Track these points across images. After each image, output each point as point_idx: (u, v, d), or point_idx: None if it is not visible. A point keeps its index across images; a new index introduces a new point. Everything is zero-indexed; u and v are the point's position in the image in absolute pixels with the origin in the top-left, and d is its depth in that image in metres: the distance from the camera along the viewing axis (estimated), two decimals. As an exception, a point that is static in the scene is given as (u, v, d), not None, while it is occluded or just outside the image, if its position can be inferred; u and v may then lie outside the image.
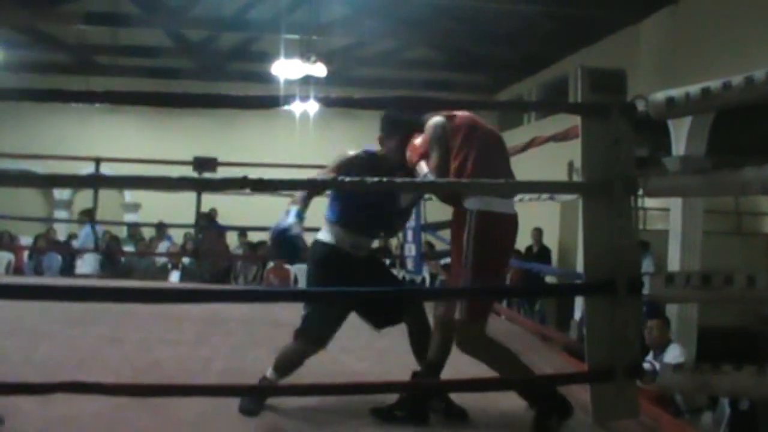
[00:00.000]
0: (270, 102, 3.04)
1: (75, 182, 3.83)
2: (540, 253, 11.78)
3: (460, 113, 3.51)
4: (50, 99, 3.89)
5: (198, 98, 2.95)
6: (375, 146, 3.71)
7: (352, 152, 3.66)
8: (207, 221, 11.41)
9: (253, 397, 3.54)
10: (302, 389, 3.34)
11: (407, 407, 3.51)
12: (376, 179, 2.69)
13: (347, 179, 3.14)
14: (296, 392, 3.46)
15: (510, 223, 3.38)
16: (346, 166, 3.55)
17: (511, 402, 3.72)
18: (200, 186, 4.92)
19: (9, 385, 2.65)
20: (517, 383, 3.60)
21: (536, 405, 3.34)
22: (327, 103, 3.45)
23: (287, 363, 3.62)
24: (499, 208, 3.32)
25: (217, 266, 10.92)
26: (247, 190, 2.71)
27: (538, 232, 11.83)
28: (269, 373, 3.62)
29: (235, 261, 11.73)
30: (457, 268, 3.39)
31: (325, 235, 3.68)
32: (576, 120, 2.87)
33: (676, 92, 2.55)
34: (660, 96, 2.58)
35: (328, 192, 3.75)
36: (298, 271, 11.39)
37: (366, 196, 3.52)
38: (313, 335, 3.59)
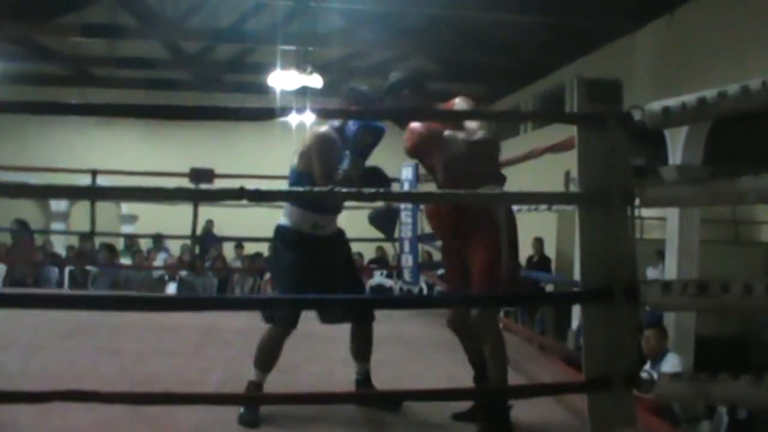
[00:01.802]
0: (265, 114, 3.04)
1: (72, 193, 3.82)
2: (541, 262, 11.78)
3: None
4: (48, 112, 3.89)
5: (193, 110, 2.95)
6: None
7: (322, 129, 3.72)
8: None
9: (251, 408, 3.53)
10: (301, 398, 3.33)
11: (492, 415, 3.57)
12: (373, 190, 2.68)
13: (344, 190, 3.15)
14: (294, 401, 3.44)
15: None
16: (333, 147, 3.67)
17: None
18: (197, 197, 4.91)
19: (5, 393, 2.64)
20: (515, 392, 3.62)
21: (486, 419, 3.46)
22: (323, 114, 3.47)
23: (266, 354, 3.67)
24: None
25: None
26: (244, 201, 2.71)
27: (539, 242, 11.84)
28: (253, 374, 3.66)
29: (233, 273, 11.72)
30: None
31: (285, 219, 3.75)
32: (573, 130, 2.88)
33: (673, 102, 2.55)
34: (656, 105, 2.58)
35: (289, 175, 3.81)
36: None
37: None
38: (284, 317, 3.64)
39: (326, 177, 3.58)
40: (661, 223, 10.30)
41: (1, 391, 2.63)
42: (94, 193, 4.93)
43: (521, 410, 3.82)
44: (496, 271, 3.37)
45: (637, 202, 2.66)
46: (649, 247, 10.45)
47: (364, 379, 3.87)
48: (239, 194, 2.45)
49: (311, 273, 3.65)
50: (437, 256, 10.36)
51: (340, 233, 3.96)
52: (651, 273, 10.29)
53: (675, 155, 8.77)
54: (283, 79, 10.82)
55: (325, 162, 3.63)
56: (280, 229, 3.77)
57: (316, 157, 3.65)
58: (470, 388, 3.67)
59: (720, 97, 2.44)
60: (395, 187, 6.09)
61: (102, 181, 9.14)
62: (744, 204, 9.50)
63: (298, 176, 3.71)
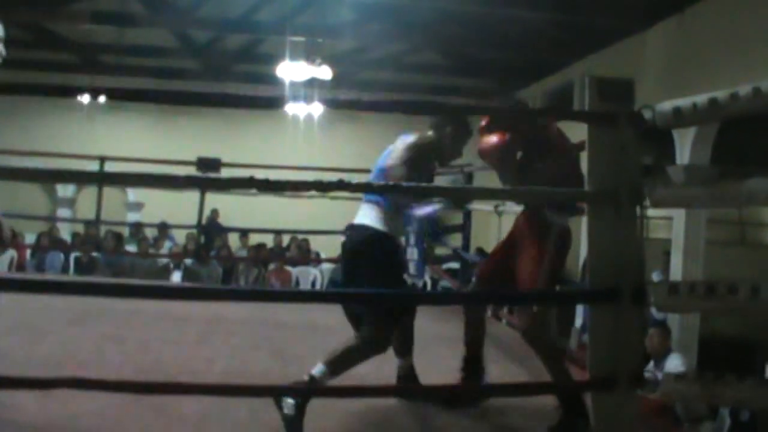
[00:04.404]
0: (274, 102, 3.04)
1: (80, 178, 3.82)
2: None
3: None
4: (56, 94, 3.90)
5: (203, 96, 2.95)
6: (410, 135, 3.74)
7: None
8: None
9: (297, 405, 3.27)
10: (306, 390, 3.33)
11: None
12: (382, 183, 2.69)
13: (354, 182, 3.15)
14: (298, 393, 3.43)
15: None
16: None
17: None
18: (207, 185, 4.92)
19: (9, 378, 2.64)
20: (520, 390, 3.64)
21: (565, 408, 3.57)
22: (332, 104, 3.46)
23: (346, 362, 3.46)
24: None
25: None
26: (251, 192, 2.70)
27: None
28: (318, 370, 3.42)
29: (237, 263, 11.74)
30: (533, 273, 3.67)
31: (378, 223, 3.58)
32: (581, 128, 2.88)
33: (683, 102, 2.54)
34: (667, 105, 2.57)
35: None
36: (300, 274, 11.42)
37: (418, 177, 3.46)
38: (380, 334, 3.49)
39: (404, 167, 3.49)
40: (667, 222, 10.26)
41: (5, 376, 2.63)
42: (103, 178, 4.94)
43: (522, 407, 3.84)
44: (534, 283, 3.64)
45: (646, 202, 2.65)
46: (654, 247, 10.40)
47: (407, 375, 3.87)
48: (248, 183, 2.44)
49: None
50: (440, 250, 10.37)
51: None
52: (657, 278, 10.23)
53: (683, 156, 8.74)
54: (292, 70, 10.81)
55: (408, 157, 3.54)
56: (375, 236, 3.59)
57: (403, 150, 3.57)
58: (483, 384, 3.73)
59: (731, 98, 2.43)
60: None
61: (110, 168, 9.12)
62: (753, 205, 9.47)
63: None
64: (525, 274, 3.71)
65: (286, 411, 3.25)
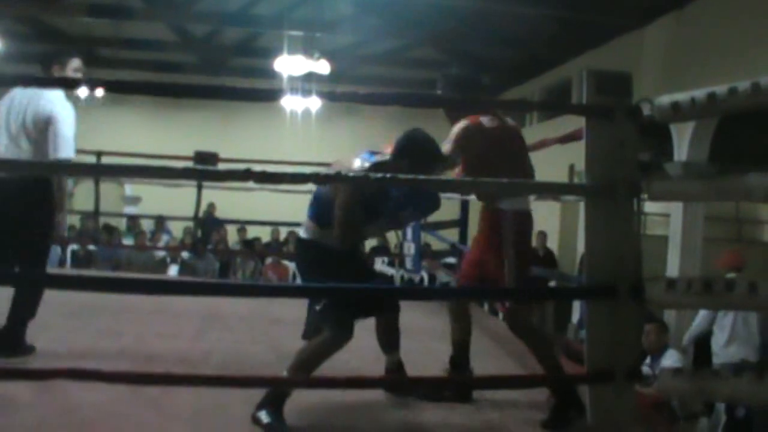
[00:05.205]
0: (271, 95, 3.03)
1: (81, 170, 3.81)
2: (545, 256, 11.72)
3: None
4: (55, 86, 3.89)
5: (198, 89, 2.94)
6: (379, 150, 3.68)
7: (357, 166, 3.51)
8: None
9: (273, 413, 3.33)
10: (300, 382, 3.33)
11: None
12: (379, 175, 2.68)
13: (351, 174, 3.14)
14: (294, 384, 3.42)
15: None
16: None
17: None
18: (204, 177, 4.90)
19: (7, 370, 2.64)
20: (517, 383, 3.65)
21: (558, 398, 3.56)
22: (330, 98, 3.44)
23: (307, 366, 3.44)
24: (525, 206, 3.75)
25: None
26: (248, 185, 2.69)
27: (542, 236, 11.76)
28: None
29: (234, 256, 11.73)
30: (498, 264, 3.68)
31: (307, 233, 3.63)
32: (579, 123, 2.88)
33: (682, 96, 2.54)
34: (665, 99, 2.57)
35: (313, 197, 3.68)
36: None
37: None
38: (337, 324, 3.47)
39: (346, 212, 3.42)
40: (664, 219, 10.26)
41: (2, 367, 2.63)
42: (100, 171, 4.93)
43: (515, 401, 3.85)
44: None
45: (644, 195, 2.64)
46: (652, 243, 10.39)
47: (395, 369, 3.85)
48: (245, 175, 2.44)
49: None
50: (437, 245, 10.36)
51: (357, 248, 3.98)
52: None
53: (681, 152, 8.75)
54: (289, 65, 10.79)
55: (349, 200, 3.43)
56: (302, 245, 3.67)
57: (343, 192, 3.44)
58: (479, 377, 3.72)
59: (730, 93, 2.43)
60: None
61: (106, 162, 9.09)
62: (751, 201, 9.47)
63: (323, 202, 3.54)
64: (492, 266, 3.72)
65: (265, 421, 3.30)
